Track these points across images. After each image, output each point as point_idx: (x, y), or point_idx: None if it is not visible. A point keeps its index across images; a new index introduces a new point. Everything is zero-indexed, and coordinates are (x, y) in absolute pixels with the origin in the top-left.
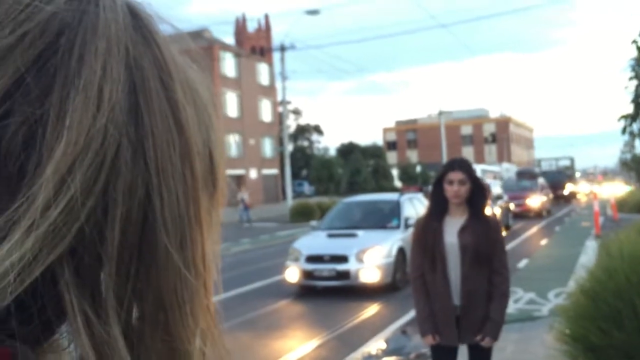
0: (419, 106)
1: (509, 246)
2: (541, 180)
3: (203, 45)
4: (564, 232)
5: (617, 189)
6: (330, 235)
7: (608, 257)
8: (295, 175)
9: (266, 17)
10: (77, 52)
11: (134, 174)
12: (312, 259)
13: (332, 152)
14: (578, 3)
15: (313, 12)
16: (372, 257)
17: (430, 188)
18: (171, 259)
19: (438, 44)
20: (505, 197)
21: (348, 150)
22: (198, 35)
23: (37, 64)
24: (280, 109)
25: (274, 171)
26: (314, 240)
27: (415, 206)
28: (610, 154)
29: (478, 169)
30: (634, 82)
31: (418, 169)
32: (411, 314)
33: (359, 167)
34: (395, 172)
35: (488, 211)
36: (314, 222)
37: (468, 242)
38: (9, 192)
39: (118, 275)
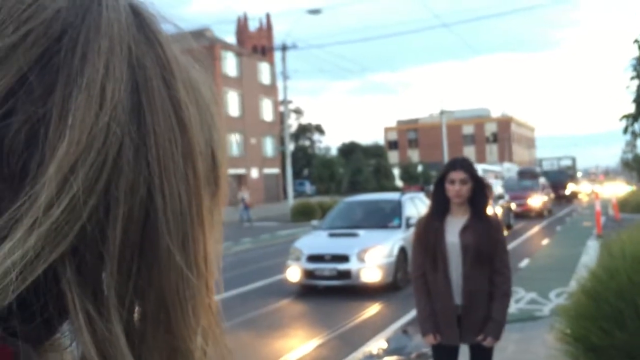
0: (421, 106)
1: (510, 246)
2: (542, 180)
3: (205, 44)
4: (565, 232)
5: (619, 189)
6: (332, 235)
7: (610, 257)
8: (296, 175)
9: (268, 16)
10: (80, 51)
11: (136, 172)
12: (313, 258)
13: (334, 151)
14: (581, 3)
15: (315, 12)
16: (374, 257)
17: (431, 187)
18: (173, 258)
19: (440, 43)
20: (507, 197)
21: (349, 150)
22: (200, 34)
23: (40, 63)
24: (281, 108)
25: (275, 170)
26: (315, 240)
27: (417, 206)
28: (612, 153)
29: (479, 168)
30: (636, 82)
31: (419, 168)
32: (412, 313)
33: (361, 166)
34: (396, 172)
35: (489, 211)
36: (315, 222)
37: (469, 242)
38: (12, 191)
39: (120, 274)
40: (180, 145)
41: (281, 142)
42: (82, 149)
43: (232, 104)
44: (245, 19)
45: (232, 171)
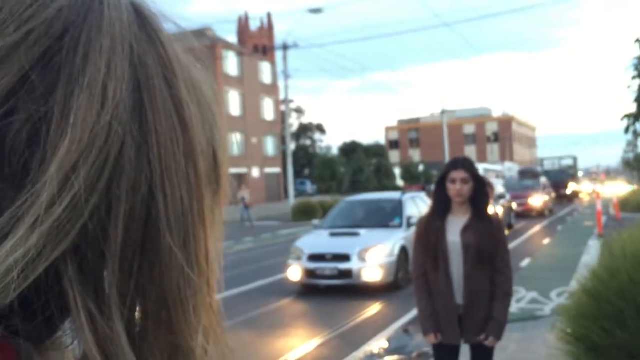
0: (422, 105)
1: (511, 245)
2: (543, 180)
3: (206, 43)
4: (566, 232)
5: (620, 189)
6: (333, 234)
7: (611, 256)
8: (297, 174)
9: (269, 15)
10: (82, 50)
11: (138, 171)
12: (314, 257)
13: (335, 151)
14: (581, 2)
15: (316, 11)
16: (375, 256)
17: (432, 187)
18: (174, 257)
19: (441, 42)
20: (508, 197)
21: (350, 149)
22: (201, 33)
23: (42, 62)
24: (282, 107)
25: (277, 170)
26: (316, 239)
27: (418, 205)
28: (613, 153)
29: (480, 168)
30: (637, 81)
31: (420, 168)
32: (413, 313)
33: (362, 166)
34: (397, 171)
35: (491, 210)
36: (316, 221)
37: (471, 241)
38: (14, 189)
39: (121, 272)
40: (182, 144)
41: (282, 141)
42: (84, 147)
43: (234, 103)
44: (247, 18)
45: (233, 170)
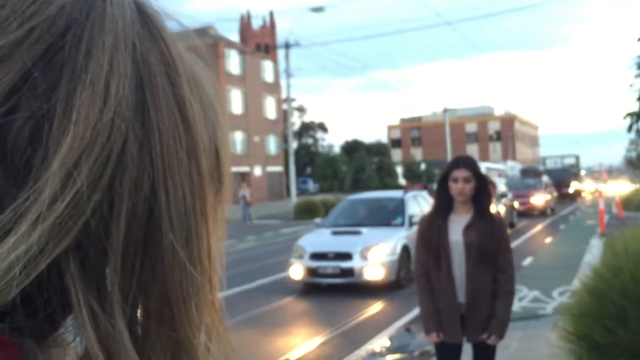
0: (424, 104)
1: (513, 244)
2: (545, 178)
3: (208, 42)
4: (568, 231)
5: (623, 187)
6: (335, 233)
7: (613, 255)
8: (299, 173)
9: (271, 14)
10: (85, 47)
11: (140, 168)
12: (316, 256)
13: (337, 149)
14: (583, 0)
15: (318, 10)
16: (377, 255)
17: (434, 186)
18: (177, 255)
19: (443, 41)
20: (510, 195)
21: (352, 148)
22: (203, 32)
23: (44, 59)
24: (284, 106)
25: (279, 168)
26: (318, 238)
27: (420, 204)
28: (616, 152)
29: (483, 166)
30: None
31: (422, 166)
32: (415, 311)
33: (364, 164)
34: (399, 170)
35: (493, 209)
36: (318, 220)
37: (473, 240)
38: (16, 186)
39: (123, 270)
40: (184, 142)
41: (284, 140)
42: (86, 144)
43: (236, 101)
44: (249, 16)
45: (236, 169)
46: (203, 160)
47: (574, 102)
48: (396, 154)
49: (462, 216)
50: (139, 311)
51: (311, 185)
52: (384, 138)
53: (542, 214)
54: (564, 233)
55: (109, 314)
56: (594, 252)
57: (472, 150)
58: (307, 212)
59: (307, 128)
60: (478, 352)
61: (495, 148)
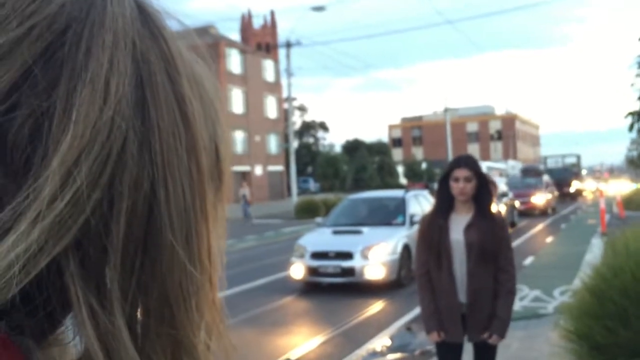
0: (425, 103)
1: (514, 244)
2: (546, 178)
3: (209, 41)
4: (569, 230)
5: (624, 187)
6: (336, 232)
7: (614, 254)
8: (300, 172)
9: (272, 13)
10: (85, 45)
11: (140, 167)
12: (317, 255)
13: (338, 148)
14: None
15: (319, 9)
16: (377, 254)
17: (435, 185)
18: (176, 253)
19: (444, 40)
20: (511, 195)
21: (353, 147)
22: (204, 31)
23: (45, 57)
24: (285, 105)
25: (279, 168)
26: (319, 237)
27: (421, 203)
28: (617, 151)
29: (484, 166)
30: None
31: (423, 165)
32: (416, 311)
33: (365, 164)
34: (400, 169)
35: (494, 208)
36: (319, 219)
37: (474, 240)
38: (16, 185)
39: (123, 268)
40: (184, 140)
41: (285, 139)
42: (86, 142)
43: (237, 101)
44: (250, 16)
45: (236, 168)
46: (203, 158)
47: (575, 102)
48: (397, 154)
49: (463, 215)
50: (138, 310)
51: (312, 185)
52: (385, 137)
53: (543, 213)
54: (565, 232)
55: (108, 312)
56: (595, 251)
57: (473, 149)
58: (308, 212)
59: (308, 127)
60: (479, 351)
61: (496, 147)
